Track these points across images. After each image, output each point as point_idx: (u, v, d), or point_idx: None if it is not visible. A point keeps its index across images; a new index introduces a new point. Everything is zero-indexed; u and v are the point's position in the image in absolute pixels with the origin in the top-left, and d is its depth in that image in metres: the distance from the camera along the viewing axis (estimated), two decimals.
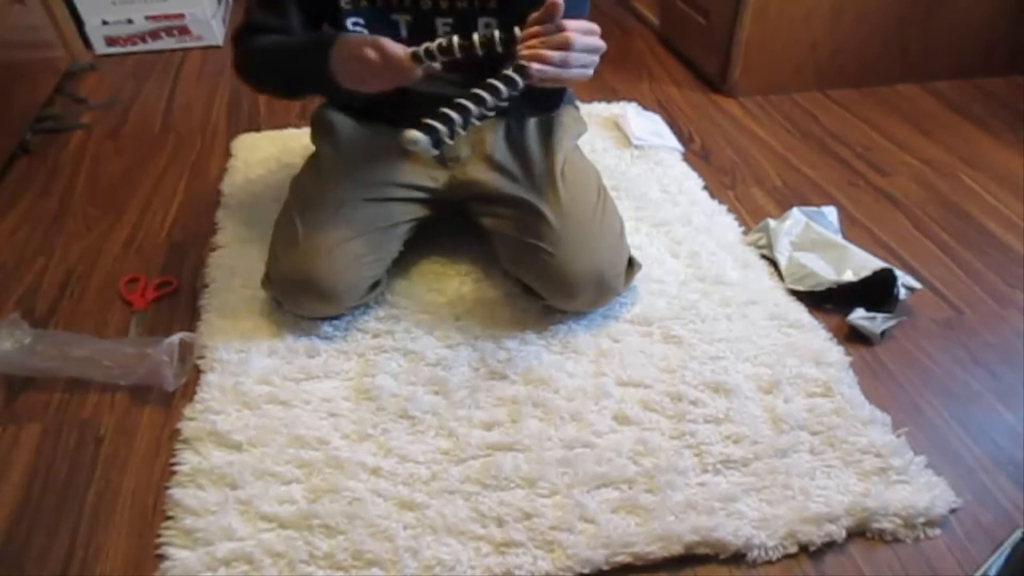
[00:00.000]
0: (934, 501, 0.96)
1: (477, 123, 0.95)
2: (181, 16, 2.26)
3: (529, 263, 1.20)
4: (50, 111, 1.92)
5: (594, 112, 1.87)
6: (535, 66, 0.90)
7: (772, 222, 1.42)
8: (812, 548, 0.92)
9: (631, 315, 1.25)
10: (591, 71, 0.95)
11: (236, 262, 1.36)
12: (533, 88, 0.93)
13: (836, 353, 1.18)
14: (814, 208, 1.47)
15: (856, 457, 1.02)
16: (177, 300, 1.32)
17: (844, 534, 0.93)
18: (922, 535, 0.94)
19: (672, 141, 1.76)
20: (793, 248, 1.37)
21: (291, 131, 1.80)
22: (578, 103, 1.44)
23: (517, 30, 0.93)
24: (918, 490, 0.97)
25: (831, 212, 1.47)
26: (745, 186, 1.63)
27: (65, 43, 2.15)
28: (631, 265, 1.25)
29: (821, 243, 1.35)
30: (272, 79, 1.20)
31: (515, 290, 1.29)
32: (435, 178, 1.26)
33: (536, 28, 0.92)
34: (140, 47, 2.29)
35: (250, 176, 1.62)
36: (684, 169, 1.66)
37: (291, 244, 1.17)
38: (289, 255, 1.18)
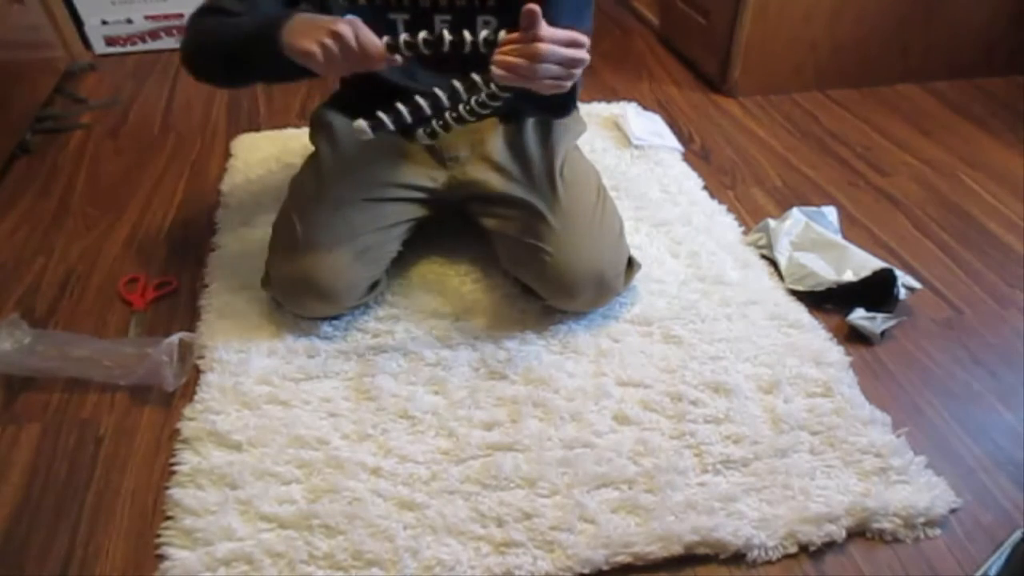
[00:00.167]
0: (934, 501, 0.96)
1: (451, 123, 1.02)
2: (181, 16, 2.26)
3: (529, 263, 1.20)
4: (50, 111, 1.92)
5: (594, 112, 1.87)
6: (499, 73, 0.89)
7: (772, 222, 1.42)
8: (812, 548, 0.92)
9: (631, 315, 1.25)
10: (566, 84, 0.92)
11: (236, 262, 1.36)
12: (534, 95, 0.93)
13: (836, 353, 1.18)
14: (814, 208, 1.47)
15: (856, 457, 1.02)
16: (177, 300, 1.32)
17: (844, 534, 0.93)
18: (922, 535, 0.94)
19: (672, 141, 1.76)
20: (793, 248, 1.37)
21: (291, 131, 1.80)
22: (578, 103, 1.43)
23: (503, 33, 0.92)
24: (918, 490, 0.97)
25: (831, 212, 1.47)
26: (745, 186, 1.63)
27: (65, 43, 2.14)
28: (631, 265, 1.25)
29: (821, 243, 1.35)
30: (217, 53, 1.07)
31: (515, 290, 1.29)
32: (434, 178, 1.26)
33: (514, 35, 0.89)
34: (140, 47, 2.29)
35: (250, 176, 1.62)
36: (684, 169, 1.66)
37: (290, 244, 1.17)
38: (289, 255, 1.17)
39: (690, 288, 1.31)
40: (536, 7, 0.85)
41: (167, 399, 1.12)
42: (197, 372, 1.15)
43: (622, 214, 1.27)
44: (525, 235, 1.19)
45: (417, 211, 1.27)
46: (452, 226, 1.35)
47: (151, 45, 2.30)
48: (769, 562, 0.91)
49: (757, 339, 1.21)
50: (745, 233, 1.46)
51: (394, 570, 0.89)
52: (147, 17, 2.26)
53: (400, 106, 0.97)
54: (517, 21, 0.94)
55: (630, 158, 1.68)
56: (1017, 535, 0.93)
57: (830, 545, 0.93)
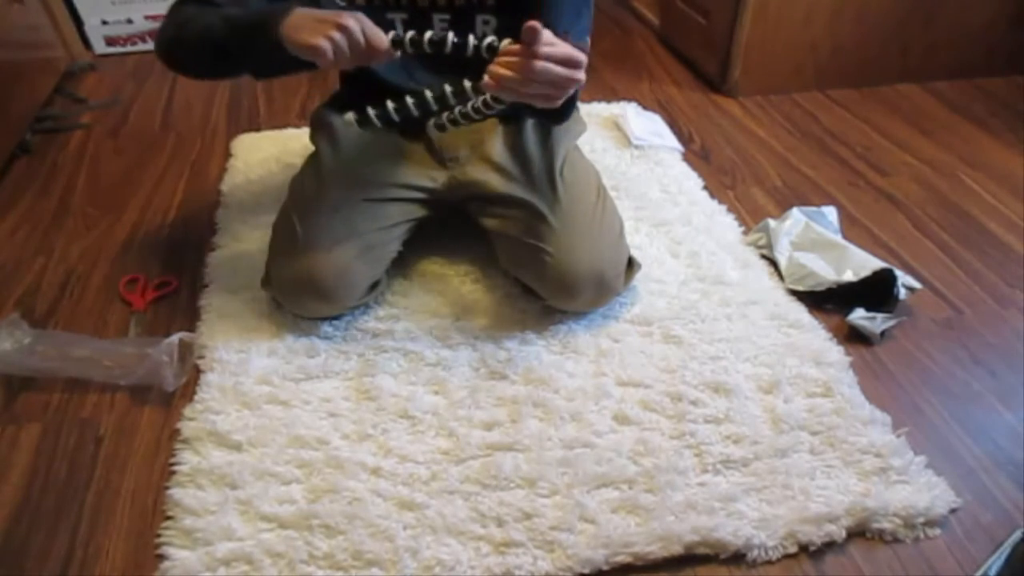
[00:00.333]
0: (934, 501, 0.96)
1: (458, 118, 1.05)
2: None
3: (529, 263, 1.20)
4: (50, 111, 1.92)
5: (594, 112, 1.87)
6: (489, 83, 0.90)
7: (772, 222, 1.42)
8: (812, 548, 0.92)
9: (631, 315, 1.25)
10: (557, 101, 0.92)
11: (236, 262, 1.36)
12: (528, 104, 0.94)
13: (836, 353, 1.18)
14: (814, 208, 1.47)
15: (856, 457, 1.02)
16: (177, 300, 1.32)
17: (844, 534, 0.93)
18: (922, 535, 0.94)
19: (672, 141, 1.76)
20: (793, 248, 1.37)
21: (291, 131, 1.80)
22: (578, 103, 1.43)
23: (506, 41, 0.92)
24: (918, 490, 0.97)
25: (831, 212, 1.47)
26: (745, 186, 1.63)
27: (65, 43, 2.14)
28: (631, 265, 1.25)
29: (821, 243, 1.35)
30: (203, 45, 1.02)
31: (515, 290, 1.29)
32: (434, 178, 1.26)
33: (513, 47, 0.89)
34: (140, 47, 2.29)
35: (250, 176, 1.62)
36: (684, 169, 1.66)
37: (291, 244, 1.17)
38: (289, 255, 1.17)
39: (690, 288, 1.31)
40: (537, 24, 0.85)
41: (167, 399, 1.12)
42: (197, 372, 1.15)
43: (622, 214, 1.27)
44: (525, 235, 1.19)
45: (417, 211, 1.27)
46: (452, 226, 1.35)
47: (151, 45, 2.29)
48: (769, 562, 0.91)
49: (757, 339, 1.21)
50: (745, 233, 1.46)
51: (394, 570, 0.89)
52: (147, 17, 2.25)
53: (390, 104, 1.01)
54: (516, 21, 0.94)
55: (630, 158, 1.68)
56: (1017, 535, 0.93)
57: (830, 545, 0.93)
